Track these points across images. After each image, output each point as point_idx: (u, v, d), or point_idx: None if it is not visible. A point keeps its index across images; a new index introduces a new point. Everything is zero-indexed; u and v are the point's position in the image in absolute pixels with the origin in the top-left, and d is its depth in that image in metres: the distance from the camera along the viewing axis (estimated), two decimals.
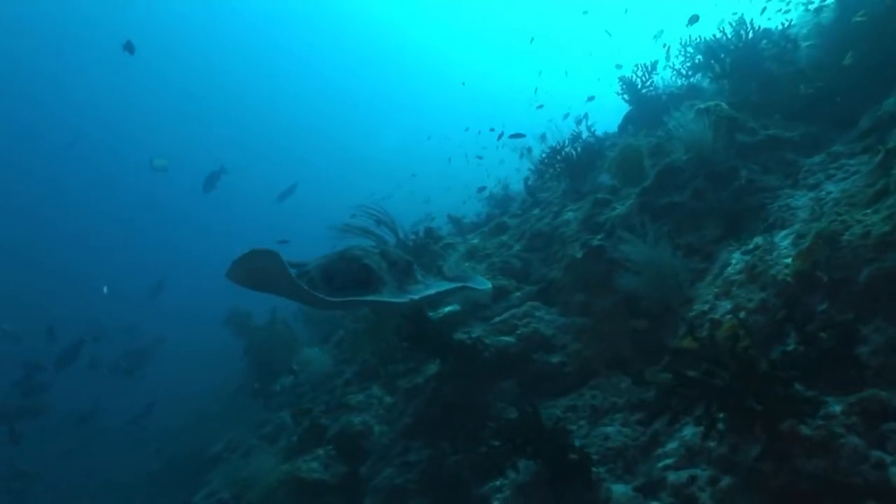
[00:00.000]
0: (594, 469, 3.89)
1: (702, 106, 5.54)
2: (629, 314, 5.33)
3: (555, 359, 5.56)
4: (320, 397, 8.87)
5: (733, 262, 4.34)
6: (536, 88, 22.38)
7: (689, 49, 10.12)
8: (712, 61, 6.81)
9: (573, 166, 9.32)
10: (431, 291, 4.34)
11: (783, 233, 4.19)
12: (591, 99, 16.98)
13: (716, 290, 4.21)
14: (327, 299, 4.04)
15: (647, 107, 10.45)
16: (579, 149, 9.34)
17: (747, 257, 4.20)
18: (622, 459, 3.99)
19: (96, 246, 53.33)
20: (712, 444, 3.25)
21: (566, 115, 16.22)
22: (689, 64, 10.16)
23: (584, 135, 9.88)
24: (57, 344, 20.30)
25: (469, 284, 4.91)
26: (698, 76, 9.86)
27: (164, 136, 56.24)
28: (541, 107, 18.50)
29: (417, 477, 5.38)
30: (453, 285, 4.70)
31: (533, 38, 38.97)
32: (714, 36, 6.76)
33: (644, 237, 4.75)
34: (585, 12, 27.52)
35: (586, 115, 14.26)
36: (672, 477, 3.36)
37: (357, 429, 6.96)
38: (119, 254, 53.47)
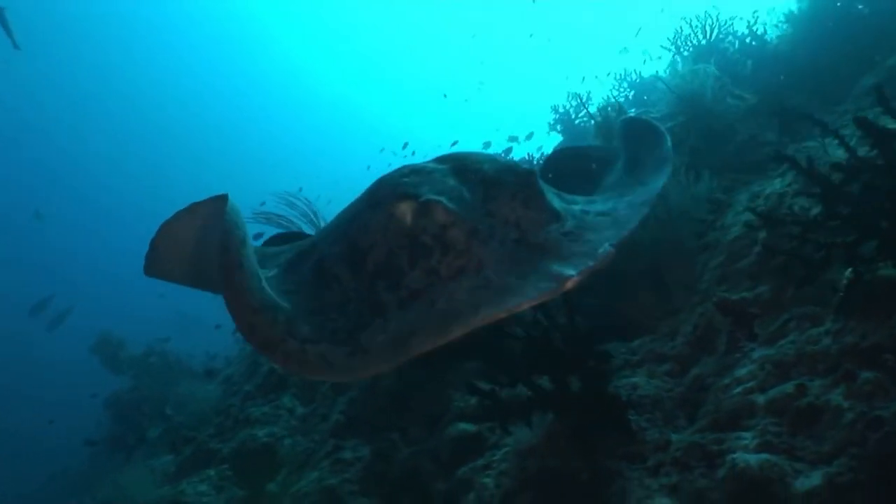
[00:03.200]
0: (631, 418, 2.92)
1: (694, 67, 5.16)
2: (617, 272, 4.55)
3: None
4: (210, 421, 7.18)
5: (765, 191, 3.72)
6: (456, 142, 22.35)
7: (624, 84, 10.24)
8: (676, 57, 6.56)
9: None
10: (606, 245, 2.01)
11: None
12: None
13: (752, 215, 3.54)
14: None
15: (580, 138, 10.31)
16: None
17: (787, 178, 3.59)
18: (660, 411, 3.04)
19: None
20: (823, 343, 2.42)
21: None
22: (622, 98, 10.23)
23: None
24: None
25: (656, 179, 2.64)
26: (632, 111, 9.90)
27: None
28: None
29: (358, 475, 4.08)
30: (637, 199, 2.49)
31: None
32: (679, 29, 6.55)
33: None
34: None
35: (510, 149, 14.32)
36: (763, 399, 2.46)
37: (262, 441, 5.48)
38: None
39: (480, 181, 2.32)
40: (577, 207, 2.49)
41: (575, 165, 3.43)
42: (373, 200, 2.39)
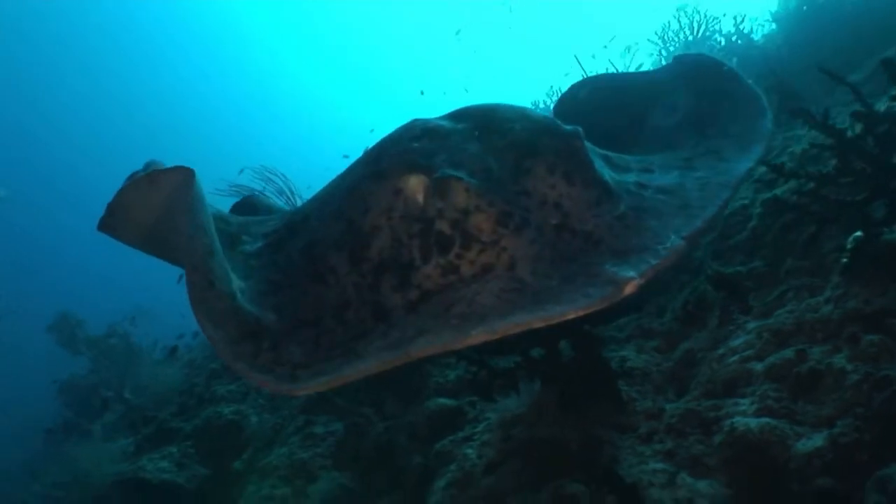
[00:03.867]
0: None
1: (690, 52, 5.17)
2: None
3: None
4: (172, 400, 6.93)
5: (760, 170, 3.70)
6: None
7: None
8: (663, 52, 6.58)
9: None
10: (674, 237, 1.62)
11: None
12: None
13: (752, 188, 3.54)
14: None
15: None
16: None
17: (781, 160, 3.58)
18: (650, 383, 2.97)
19: None
20: (823, 311, 2.38)
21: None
22: None
23: None
24: None
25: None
26: None
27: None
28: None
29: (330, 450, 3.93)
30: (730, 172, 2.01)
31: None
32: (667, 24, 6.57)
33: None
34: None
35: None
36: (761, 366, 2.40)
37: (228, 418, 5.28)
38: None
39: (511, 146, 1.86)
40: (630, 178, 2.02)
41: (611, 101, 3.10)
42: (376, 169, 1.93)
